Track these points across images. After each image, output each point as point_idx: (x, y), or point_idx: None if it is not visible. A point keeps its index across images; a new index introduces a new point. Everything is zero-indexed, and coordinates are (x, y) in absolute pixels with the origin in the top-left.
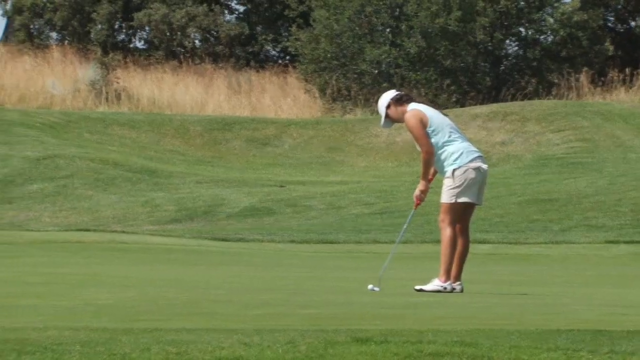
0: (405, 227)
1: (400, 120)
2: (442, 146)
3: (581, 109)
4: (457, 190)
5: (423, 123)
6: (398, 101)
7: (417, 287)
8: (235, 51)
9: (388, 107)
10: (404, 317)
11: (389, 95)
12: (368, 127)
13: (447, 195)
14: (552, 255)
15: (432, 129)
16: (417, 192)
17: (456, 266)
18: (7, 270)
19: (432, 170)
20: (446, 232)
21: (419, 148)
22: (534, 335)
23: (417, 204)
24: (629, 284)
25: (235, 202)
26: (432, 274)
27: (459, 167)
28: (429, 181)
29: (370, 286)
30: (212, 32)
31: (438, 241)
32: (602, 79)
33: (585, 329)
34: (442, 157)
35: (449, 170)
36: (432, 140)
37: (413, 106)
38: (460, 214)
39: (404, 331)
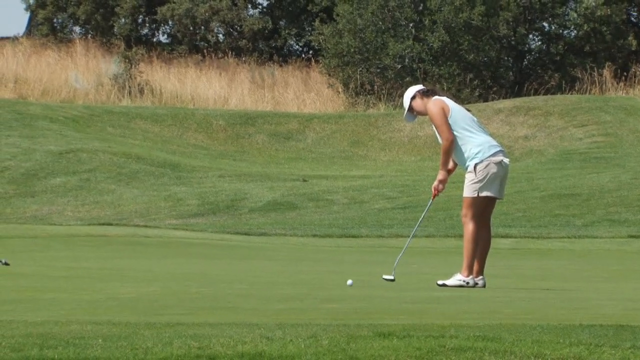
0: (423, 216)
1: (423, 112)
2: (464, 139)
3: (604, 104)
4: (479, 185)
5: (445, 112)
6: (425, 94)
7: (440, 282)
8: (259, 45)
9: (413, 98)
10: (426, 312)
11: (415, 88)
12: (391, 122)
13: (469, 189)
14: (574, 250)
15: (452, 120)
16: (435, 182)
17: (478, 261)
18: (30, 264)
19: (451, 161)
20: (469, 227)
21: (440, 140)
22: (556, 330)
23: (435, 194)
24: None
25: (257, 197)
26: (455, 268)
27: (481, 161)
28: (448, 171)
29: (384, 276)
30: (236, 26)
31: (460, 236)
32: (625, 73)
33: (608, 324)
34: (464, 150)
35: (471, 164)
36: (454, 132)
37: (436, 98)
38: (483, 209)
39: (426, 326)
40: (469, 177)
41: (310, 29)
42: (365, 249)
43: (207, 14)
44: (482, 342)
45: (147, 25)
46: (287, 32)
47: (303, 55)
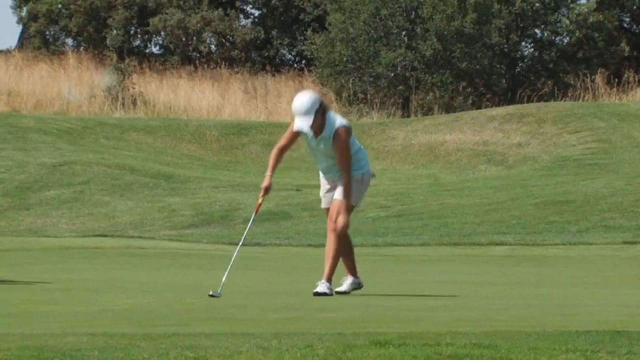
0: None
1: (317, 129)
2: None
3: (597, 110)
4: (363, 194)
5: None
6: (325, 110)
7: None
8: (251, 55)
9: (317, 111)
10: (422, 320)
11: (317, 99)
12: (384, 130)
13: (358, 196)
14: (569, 257)
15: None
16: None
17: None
18: (25, 276)
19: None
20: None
21: (331, 159)
22: (552, 336)
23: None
24: None
25: (252, 207)
26: (451, 276)
27: (368, 172)
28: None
29: (211, 292)
30: (228, 36)
31: (455, 244)
32: (618, 79)
33: (604, 330)
34: (353, 160)
35: (359, 172)
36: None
37: (340, 118)
38: None
39: (422, 334)
40: (356, 185)
41: (302, 38)
42: (360, 257)
43: (199, 25)
44: (478, 350)
45: (140, 36)
46: (279, 42)
47: (295, 65)
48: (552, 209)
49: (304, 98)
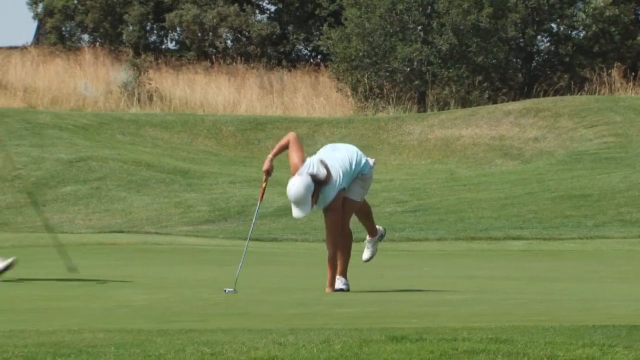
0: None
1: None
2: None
3: (614, 104)
4: (367, 190)
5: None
6: (320, 184)
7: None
8: (267, 51)
9: (314, 194)
10: (439, 315)
11: (311, 185)
12: (400, 125)
13: (362, 194)
14: (586, 251)
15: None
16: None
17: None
18: (41, 273)
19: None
20: (349, 231)
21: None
22: (569, 331)
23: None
24: None
25: (268, 202)
26: (468, 270)
27: (370, 168)
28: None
29: (226, 289)
30: (244, 32)
31: (472, 238)
32: (634, 73)
33: (621, 324)
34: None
35: (367, 171)
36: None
37: (332, 191)
38: None
39: (439, 329)
40: (362, 184)
41: (318, 33)
42: (377, 252)
43: (215, 20)
44: (494, 345)
45: (156, 32)
46: (295, 37)
47: (311, 60)
48: (568, 204)
49: (299, 188)
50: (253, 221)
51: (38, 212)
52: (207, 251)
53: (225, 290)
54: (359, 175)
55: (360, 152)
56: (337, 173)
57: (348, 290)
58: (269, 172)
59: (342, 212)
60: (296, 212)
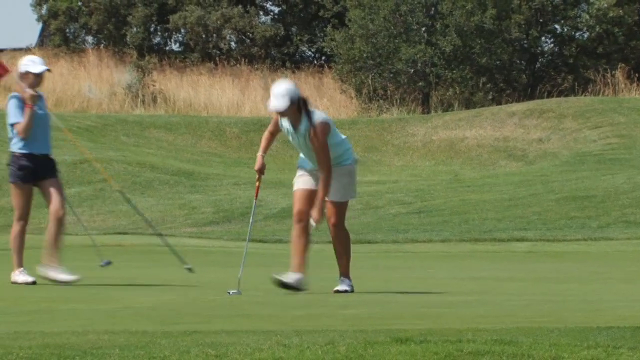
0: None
1: (294, 121)
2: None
3: (618, 105)
4: (355, 184)
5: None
6: (304, 106)
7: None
8: (271, 52)
9: (293, 102)
10: (443, 316)
11: (297, 90)
12: (404, 127)
13: (350, 192)
14: (590, 252)
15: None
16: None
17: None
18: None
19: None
20: (347, 232)
21: (312, 152)
22: (574, 332)
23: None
24: None
25: (272, 204)
26: (472, 272)
27: (354, 160)
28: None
29: (230, 291)
30: (248, 33)
31: (476, 240)
32: (638, 74)
33: (625, 325)
34: (338, 151)
35: (347, 163)
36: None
37: (319, 114)
38: None
39: (443, 330)
40: (345, 180)
41: (322, 35)
42: (381, 254)
43: (219, 22)
44: (499, 346)
45: (159, 33)
46: (299, 38)
47: (315, 62)
48: (572, 205)
49: (284, 83)
50: (251, 221)
51: (133, 208)
52: (211, 252)
53: (229, 292)
54: (338, 168)
55: (350, 146)
56: (334, 127)
57: (352, 291)
58: (261, 171)
59: (334, 216)
60: (272, 103)
